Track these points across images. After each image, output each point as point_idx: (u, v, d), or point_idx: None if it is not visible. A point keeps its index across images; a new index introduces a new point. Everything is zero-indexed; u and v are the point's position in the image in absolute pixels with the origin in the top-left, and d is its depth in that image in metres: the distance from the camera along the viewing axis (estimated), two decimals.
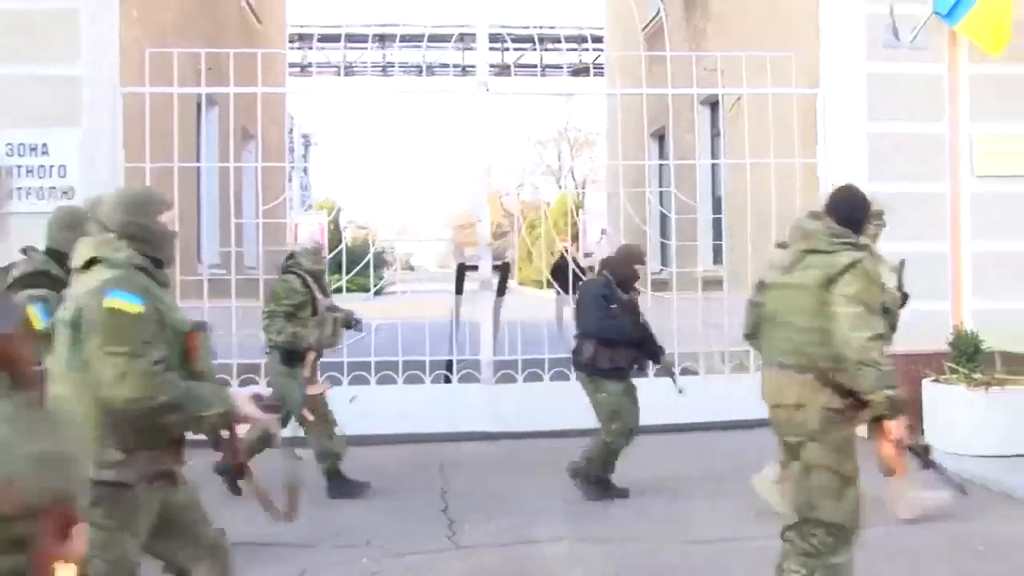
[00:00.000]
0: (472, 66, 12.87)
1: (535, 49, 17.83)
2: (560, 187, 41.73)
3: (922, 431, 7.21)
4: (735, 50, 8.99)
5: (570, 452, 7.10)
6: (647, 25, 11.25)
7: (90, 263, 2.89)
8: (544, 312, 9.11)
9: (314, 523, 5.60)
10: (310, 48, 21.36)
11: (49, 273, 3.53)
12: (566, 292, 8.81)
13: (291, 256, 6.39)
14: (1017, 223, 7.92)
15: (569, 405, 7.02)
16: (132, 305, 2.75)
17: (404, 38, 9.41)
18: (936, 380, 7.43)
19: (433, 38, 9.32)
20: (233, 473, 3.39)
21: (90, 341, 2.73)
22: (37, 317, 3.11)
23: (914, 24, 7.79)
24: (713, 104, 11.09)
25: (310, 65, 21.99)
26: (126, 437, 2.76)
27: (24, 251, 3.72)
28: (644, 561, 5.06)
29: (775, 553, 3.76)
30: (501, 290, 8.95)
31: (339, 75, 18.69)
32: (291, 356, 6.12)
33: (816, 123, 8.50)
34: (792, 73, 8.44)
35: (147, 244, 2.98)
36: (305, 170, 33.04)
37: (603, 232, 26.02)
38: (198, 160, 10.28)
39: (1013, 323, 7.81)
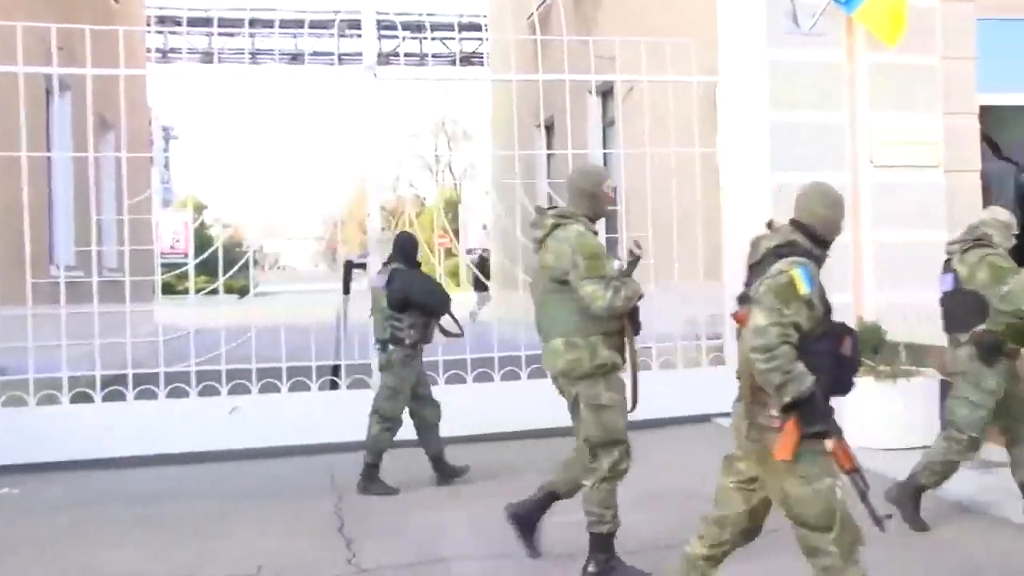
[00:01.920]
0: (351, 54, 12.44)
1: (418, 37, 17.48)
2: (437, 182, 41.41)
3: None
4: (629, 37, 8.86)
5: (471, 458, 6.85)
6: (537, 8, 11.08)
7: None
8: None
9: (202, 550, 5.24)
10: (172, 32, 20.35)
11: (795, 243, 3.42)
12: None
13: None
14: (916, 213, 8.07)
15: (467, 408, 6.75)
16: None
17: (282, 23, 8.90)
18: None
19: (314, 24, 8.79)
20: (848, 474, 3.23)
21: None
22: (802, 282, 3.17)
23: (814, 11, 7.83)
24: (605, 92, 10.99)
25: (173, 51, 20.91)
26: None
27: (769, 224, 3.57)
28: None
29: None
30: (346, 288, 8.59)
31: (206, 62, 17.85)
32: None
33: (716, 112, 8.46)
34: (692, 60, 8.38)
35: None
36: (166, 164, 31.62)
37: (484, 228, 25.93)
38: (48, 150, 9.50)
39: (915, 314, 7.97)
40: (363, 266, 8.44)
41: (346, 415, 7.75)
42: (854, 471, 3.21)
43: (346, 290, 8.73)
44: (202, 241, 12.84)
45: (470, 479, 6.72)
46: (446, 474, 6.62)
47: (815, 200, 3.55)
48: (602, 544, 4.47)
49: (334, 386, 8.23)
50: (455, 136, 43.05)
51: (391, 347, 6.39)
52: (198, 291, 8.49)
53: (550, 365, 4.48)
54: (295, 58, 17.83)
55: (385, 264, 6.65)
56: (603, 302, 4.22)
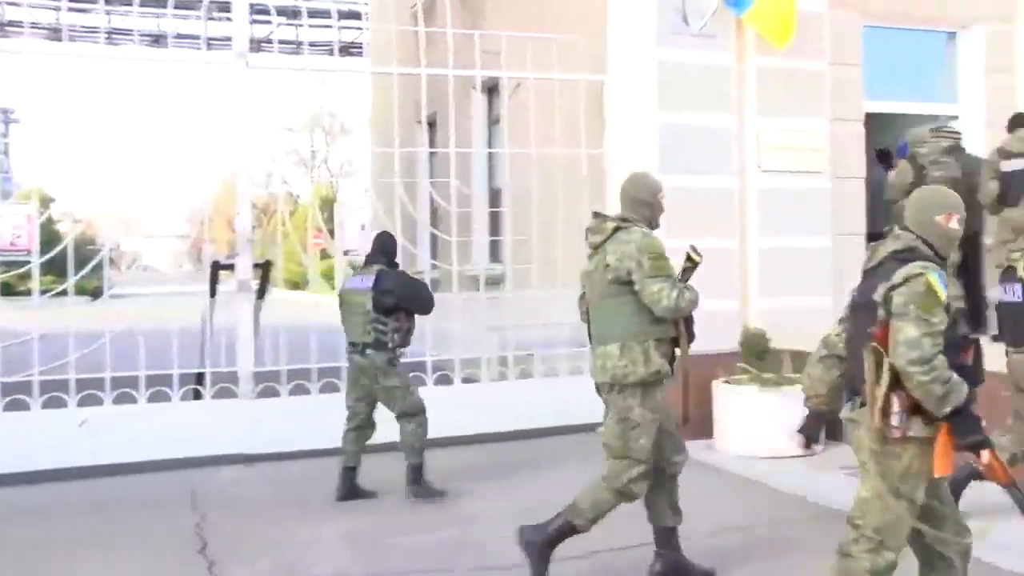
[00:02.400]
0: (220, 39, 11.82)
1: (293, 24, 16.86)
2: (312, 179, 40.49)
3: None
4: (516, 31, 8.67)
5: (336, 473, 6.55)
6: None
7: None
8: (311, 316, 8.39)
9: None
10: (11, 3, 18.92)
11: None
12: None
13: None
14: (801, 219, 8.14)
15: (341, 420, 6.42)
16: None
17: (143, 2, 8.33)
18: (727, 381, 7.47)
19: (179, 4, 8.25)
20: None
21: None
22: (940, 287, 3.14)
23: (704, 12, 7.82)
24: (491, 89, 10.78)
25: (12, 24, 19.37)
26: None
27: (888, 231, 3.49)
28: None
29: None
30: (262, 292, 8.15)
31: (53, 39, 16.72)
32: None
33: (604, 112, 8.35)
34: (579, 58, 8.26)
35: None
36: (5, 151, 29.57)
37: (362, 228, 25.33)
38: None
39: (800, 321, 8.02)
40: (231, 267, 8.03)
41: (211, 426, 7.35)
42: (1012, 484, 3.31)
43: (212, 292, 8.26)
44: (49, 237, 12.00)
45: (332, 492, 6.45)
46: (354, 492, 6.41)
47: (932, 209, 3.46)
48: (564, 533, 4.45)
49: (197, 396, 7.75)
50: (333, 131, 42.27)
51: (370, 352, 6.22)
52: (44, 292, 7.89)
53: (600, 371, 4.45)
54: (157, 40, 16.98)
55: (365, 265, 6.50)
56: (669, 301, 4.33)
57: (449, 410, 7.17)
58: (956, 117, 9.03)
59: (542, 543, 4.44)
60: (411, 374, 7.88)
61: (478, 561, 5.07)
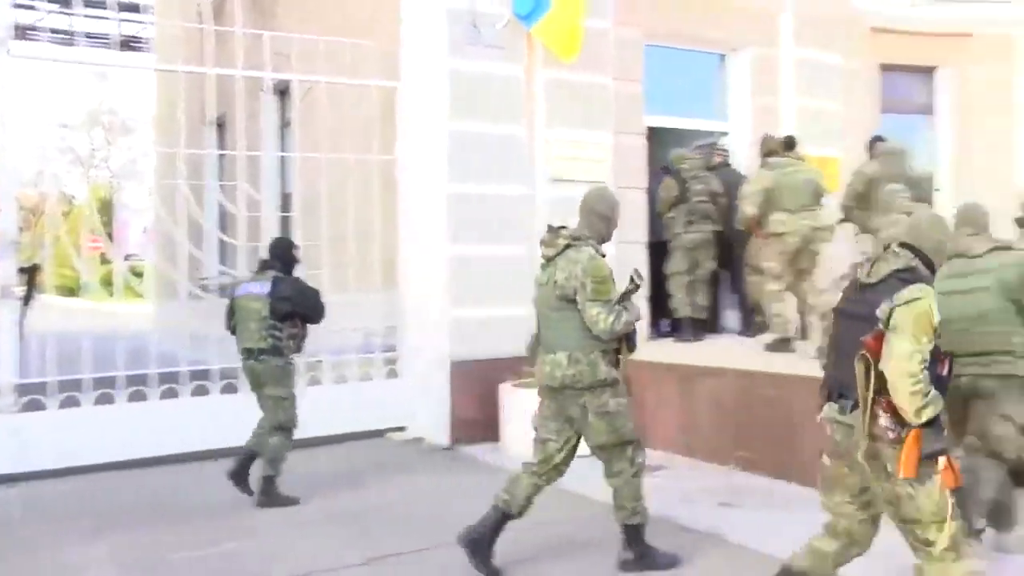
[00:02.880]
0: None
1: (65, 12, 15.92)
2: (90, 179, 38.26)
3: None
4: (308, 34, 8.59)
5: (122, 490, 6.28)
6: None
7: None
8: (87, 324, 7.97)
9: None
10: None
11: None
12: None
13: None
14: None
15: (116, 433, 6.16)
16: None
17: None
18: (515, 385, 7.67)
19: None
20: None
21: None
22: (935, 313, 3.43)
23: (495, 22, 8.02)
24: (282, 91, 10.61)
25: None
26: None
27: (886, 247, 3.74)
28: None
29: None
30: (27, 298, 7.66)
31: None
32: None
33: (396, 118, 8.41)
34: (372, 63, 8.29)
35: None
36: None
37: (144, 231, 24.15)
38: None
39: None
40: None
41: None
42: (959, 488, 3.51)
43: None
44: None
45: (109, 510, 6.22)
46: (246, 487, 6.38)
47: (932, 226, 3.76)
48: (636, 535, 4.86)
49: None
50: (113, 129, 40.08)
51: (266, 357, 6.20)
52: None
53: (550, 377, 4.80)
54: None
55: (259, 270, 6.43)
56: (605, 325, 4.61)
57: (237, 418, 7.00)
58: (726, 134, 9.68)
59: (634, 559, 4.83)
60: (195, 383, 7.69)
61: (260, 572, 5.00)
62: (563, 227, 4.95)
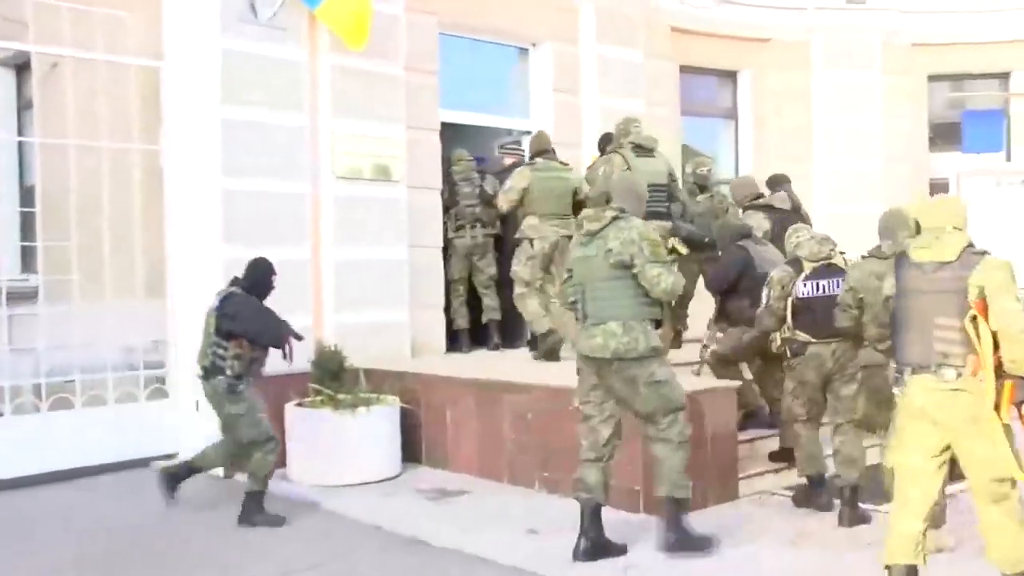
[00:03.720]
0: None
1: None
2: None
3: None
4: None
5: None
6: None
7: None
8: None
9: None
10: None
11: None
12: None
13: None
14: (378, 229, 7.91)
15: None
16: None
17: None
18: (300, 404, 7.02)
19: None
20: None
21: None
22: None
23: (273, 2, 7.31)
24: (20, 67, 9.40)
25: None
26: None
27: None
28: None
29: None
30: None
31: None
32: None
33: (160, 103, 7.56)
34: (131, 38, 7.41)
35: None
36: None
37: None
38: None
39: (377, 336, 7.78)
40: None
41: None
42: None
43: None
44: None
45: None
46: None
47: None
48: (684, 507, 5.03)
49: None
50: None
51: (210, 377, 6.03)
52: None
53: (602, 348, 4.90)
54: None
55: (230, 284, 6.16)
56: (666, 284, 4.85)
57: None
58: (529, 132, 9.34)
59: (681, 540, 4.99)
60: None
61: None
62: (609, 203, 5.22)
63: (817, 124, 11.06)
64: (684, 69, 10.52)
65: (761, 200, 7.69)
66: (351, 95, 7.78)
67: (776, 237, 6.84)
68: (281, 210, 7.43)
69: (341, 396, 6.93)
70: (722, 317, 6.95)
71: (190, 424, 7.41)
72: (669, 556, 4.97)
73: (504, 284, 8.36)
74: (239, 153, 7.24)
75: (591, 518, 5.03)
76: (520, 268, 7.66)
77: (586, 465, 5.06)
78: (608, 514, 5.15)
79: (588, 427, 5.08)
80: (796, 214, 7.55)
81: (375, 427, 6.90)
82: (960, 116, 10.80)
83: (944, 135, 11.48)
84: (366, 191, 7.86)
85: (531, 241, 7.57)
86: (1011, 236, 9.11)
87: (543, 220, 7.53)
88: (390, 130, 8.01)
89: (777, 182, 7.99)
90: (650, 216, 7.18)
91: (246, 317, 5.98)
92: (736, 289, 6.77)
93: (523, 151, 8.83)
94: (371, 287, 7.84)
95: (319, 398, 7.01)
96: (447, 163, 8.68)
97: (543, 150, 7.88)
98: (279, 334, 6.07)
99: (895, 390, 4.13)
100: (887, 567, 4.01)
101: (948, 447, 3.97)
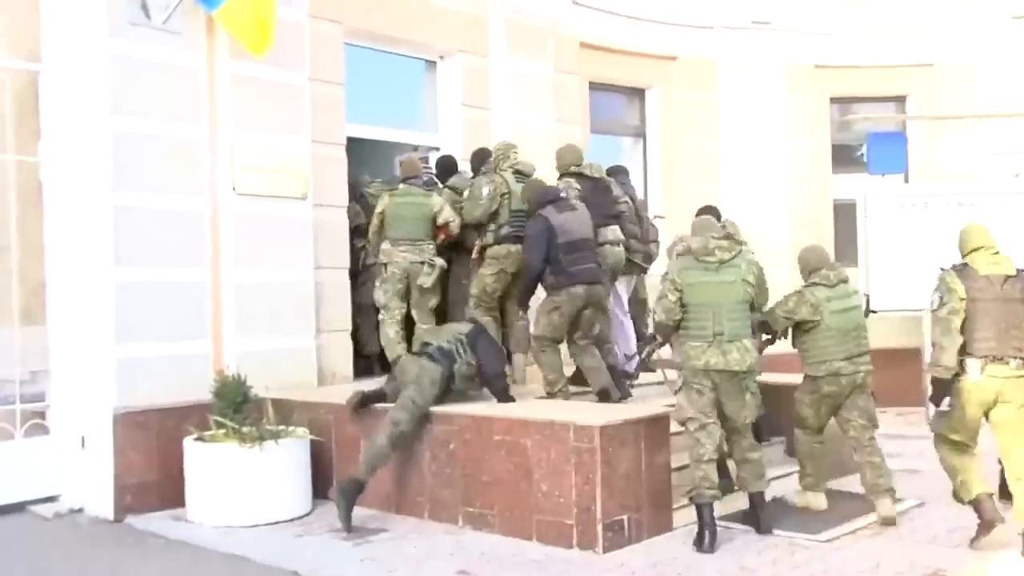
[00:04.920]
0: None
1: None
2: None
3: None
4: None
5: None
6: None
7: None
8: None
9: None
10: None
11: None
12: None
13: None
14: (282, 249, 7.52)
15: None
16: None
17: None
18: (200, 438, 6.57)
19: None
20: None
21: None
22: None
23: (167, 3, 6.86)
24: None
25: None
26: None
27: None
28: None
29: None
30: None
31: None
32: None
33: (39, 110, 7.02)
34: (3, 39, 6.84)
35: None
36: None
37: None
38: None
39: (282, 364, 7.37)
40: None
41: None
42: None
43: None
44: None
45: None
46: None
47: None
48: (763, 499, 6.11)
49: None
50: None
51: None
52: None
53: (740, 362, 5.76)
54: None
55: None
56: (773, 314, 6.38)
57: None
58: (438, 148, 9.07)
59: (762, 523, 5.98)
60: None
61: None
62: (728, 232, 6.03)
63: (724, 143, 11.15)
64: (593, 86, 10.46)
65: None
66: (252, 106, 7.35)
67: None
68: (178, 229, 6.95)
69: (246, 429, 6.51)
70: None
71: (74, 462, 6.86)
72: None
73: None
74: (131, 167, 6.74)
75: (712, 513, 5.65)
76: (377, 293, 7.82)
77: (709, 465, 5.69)
78: None
79: (706, 432, 5.72)
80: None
81: (284, 462, 6.49)
82: (863, 137, 11.02)
83: (845, 156, 11.74)
84: (269, 209, 7.43)
85: (384, 266, 7.75)
86: (914, 257, 9.36)
87: (394, 245, 7.65)
88: (295, 144, 7.60)
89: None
90: (515, 240, 7.52)
91: None
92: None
93: (430, 168, 8.57)
94: (275, 311, 7.43)
95: (221, 431, 6.57)
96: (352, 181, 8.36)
97: (408, 176, 7.93)
98: None
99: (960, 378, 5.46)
100: None
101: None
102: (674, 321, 5.83)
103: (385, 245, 7.70)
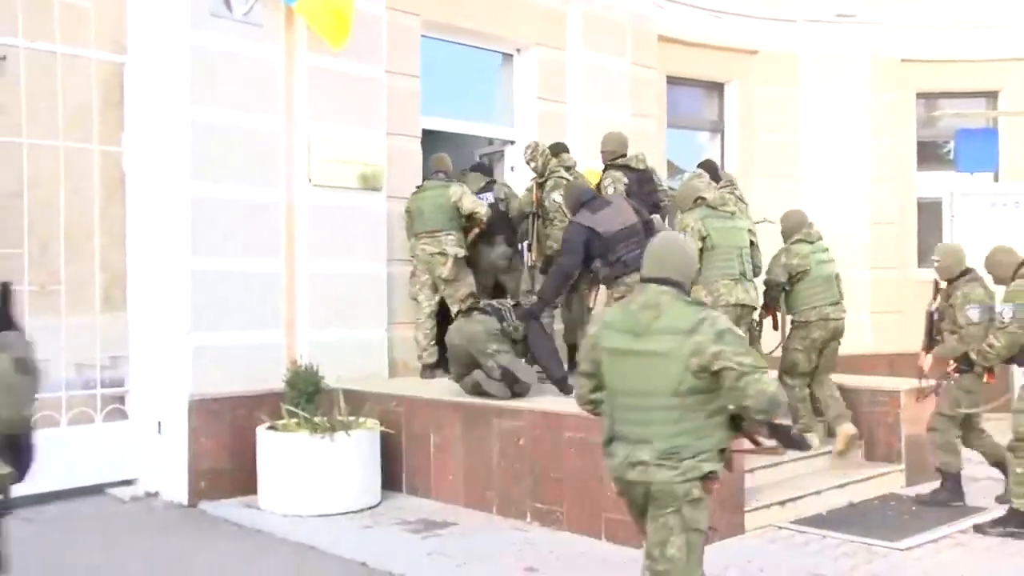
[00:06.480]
0: None
1: None
2: None
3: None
4: None
5: None
6: None
7: None
8: None
9: None
10: None
11: None
12: None
13: None
14: (356, 241, 7.58)
15: None
16: None
17: None
18: (272, 427, 6.64)
19: None
20: None
21: None
22: None
23: None
24: None
25: None
26: None
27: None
28: None
29: None
30: None
31: None
32: None
33: (123, 101, 7.16)
34: (93, 30, 7.01)
35: None
36: None
37: None
38: None
39: (354, 355, 7.42)
40: None
41: None
42: None
43: None
44: None
45: None
46: None
47: None
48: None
49: None
50: None
51: None
52: None
53: (756, 299, 6.97)
54: None
55: None
56: None
57: None
58: (513, 142, 9.04)
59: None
60: None
61: None
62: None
63: (804, 139, 10.92)
64: (671, 80, 10.31)
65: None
66: (329, 98, 7.44)
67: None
68: (254, 219, 7.07)
69: (317, 419, 6.58)
70: None
71: (151, 447, 7.00)
72: None
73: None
74: (210, 157, 6.87)
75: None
76: (412, 289, 7.85)
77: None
78: None
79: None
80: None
81: (354, 453, 6.55)
82: (950, 134, 10.69)
83: (931, 153, 11.42)
84: (344, 200, 7.51)
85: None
86: None
87: (415, 240, 7.72)
88: (370, 136, 7.68)
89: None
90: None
91: None
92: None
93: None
94: (347, 302, 7.50)
95: (294, 421, 6.64)
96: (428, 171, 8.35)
97: (437, 171, 7.92)
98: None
99: None
100: None
101: None
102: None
103: (412, 240, 7.75)
